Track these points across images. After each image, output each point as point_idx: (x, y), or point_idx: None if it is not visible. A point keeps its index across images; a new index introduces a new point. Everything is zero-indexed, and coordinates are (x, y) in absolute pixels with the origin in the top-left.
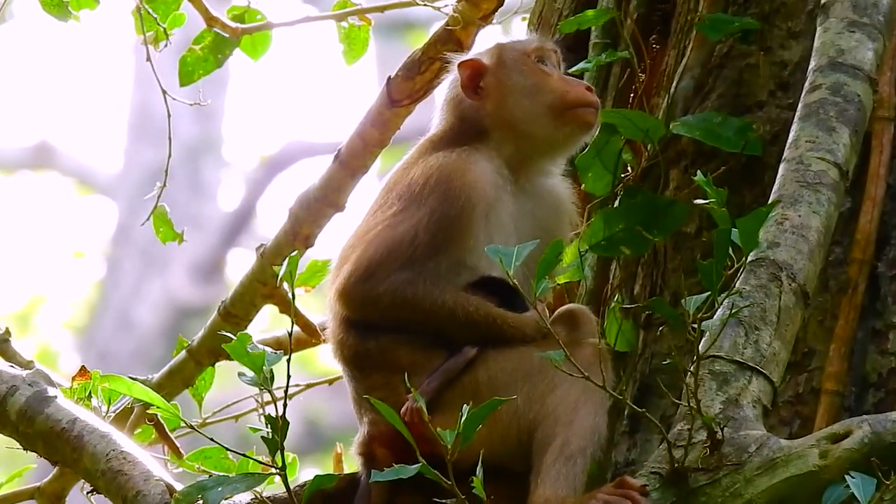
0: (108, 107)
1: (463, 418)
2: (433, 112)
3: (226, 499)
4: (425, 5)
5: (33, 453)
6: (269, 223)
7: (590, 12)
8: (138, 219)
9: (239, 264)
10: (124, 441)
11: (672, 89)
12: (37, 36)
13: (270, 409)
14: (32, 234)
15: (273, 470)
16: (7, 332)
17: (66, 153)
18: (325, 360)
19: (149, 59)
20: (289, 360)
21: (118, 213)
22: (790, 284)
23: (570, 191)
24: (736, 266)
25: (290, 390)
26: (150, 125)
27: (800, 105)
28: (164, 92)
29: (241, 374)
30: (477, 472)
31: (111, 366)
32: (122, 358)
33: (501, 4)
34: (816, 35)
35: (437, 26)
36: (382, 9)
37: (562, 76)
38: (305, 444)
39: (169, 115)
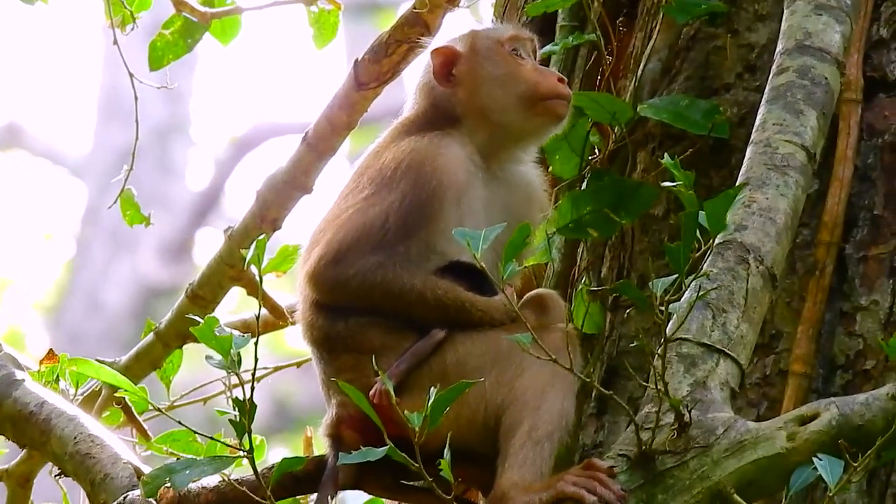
0: (78, 88)
1: (430, 401)
2: (402, 93)
3: (193, 481)
4: None
5: (1, 436)
6: (238, 203)
7: None
8: (107, 200)
9: (208, 244)
10: (92, 424)
11: (639, 72)
12: (5, 17)
13: (238, 393)
14: (1, 215)
15: (241, 453)
16: None
17: (35, 134)
18: (294, 341)
19: (116, 42)
20: (256, 343)
21: (87, 193)
22: (757, 267)
23: (541, 178)
24: (703, 248)
25: (259, 373)
26: (119, 106)
27: (767, 88)
28: (132, 75)
29: (208, 358)
30: (444, 455)
31: (80, 347)
32: (91, 339)
33: None
34: (784, 18)
35: (406, 7)
36: None
37: (535, 66)
38: (274, 424)
39: (136, 99)
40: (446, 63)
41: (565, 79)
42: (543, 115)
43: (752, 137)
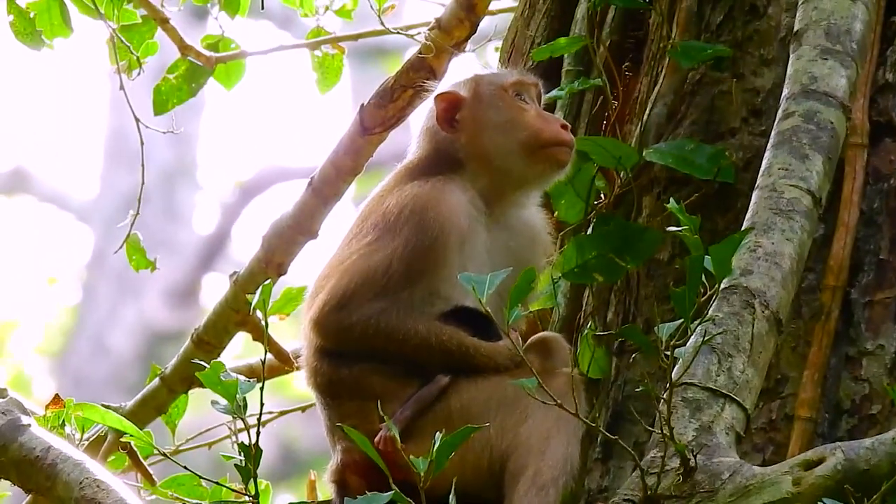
0: (84, 132)
1: (435, 446)
2: (408, 137)
3: None
4: (398, 33)
5: (7, 481)
6: (245, 248)
7: (562, 40)
8: (114, 244)
9: (214, 289)
10: (98, 469)
11: (645, 116)
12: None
13: (244, 437)
14: (7, 259)
15: (246, 498)
16: None
17: (41, 178)
18: (300, 385)
19: (122, 87)
20: (262, 389)
21: (94, 238)
22: (763, 312)
23: (544, 222)
24: (709, 293)
25: (264, 417)
26: (125, 150)
27: (773, 132)
28: (138, 120)
29: (214, 403)
30: (450, 501)
31: (86, 391)
32: (97, 383)
33: (474, 32)
34: (789, 62)
35: (411, 52)
36: (356, 37)
37: (539, 112)
38: (280, 469)
39: (142, 144)
40: (450, 108)
41: (568, 125)
42: (545, 162)
43: (757, 182)
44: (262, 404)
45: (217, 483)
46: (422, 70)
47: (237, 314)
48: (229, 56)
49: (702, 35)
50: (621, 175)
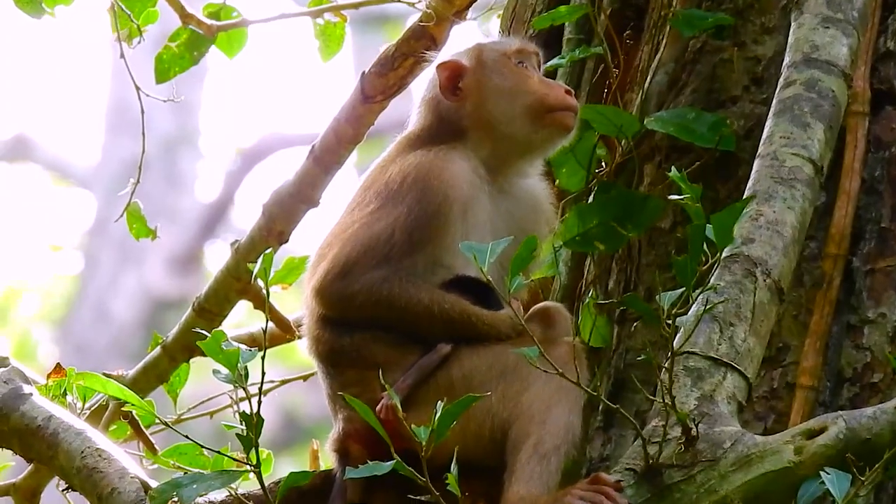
0: (86, 99)
1: (437, 415)
2: (409, 105)
3: (201, 496)
4: (400, 1)
5: (8, 451)
6: (246, 215)
7: (563, 8)
8: (115, 212)
9: (216, 256)
10: (99, 438)
11: (646, 85)
12: (13, 28)
13: (245, 406)
14: (9, 227)
15: (248, 466)
16: None
17: (43, 146)
18: (302, 353)
19: (122, 55)
20: (263, 358)
21: (96, 205)
22: (765, 280)
23: (547, 191)
24: (710, 262)
25: (266, 386)
26: (127, 118)
27: (774, 101)
28: (139, 89)
29: (216, 372)
30: (451, 469)
31: (88, 358)
32: (99, 350)
33: (475, 0)
34: (791, 31)
35: (413, 19)
36: (357, 5)
37: (541, 78)
38: (283, 437)
39: (143, 112)
40: (452, 77)
41: (572, 91)
42: (551, 127)
43: (759, 150)
44: (263, 374)
45: (219, 452)
46: (423, 38)
47: (238, 282)
48: (231, 24)
49: (703, 3)
50: (622, 143)
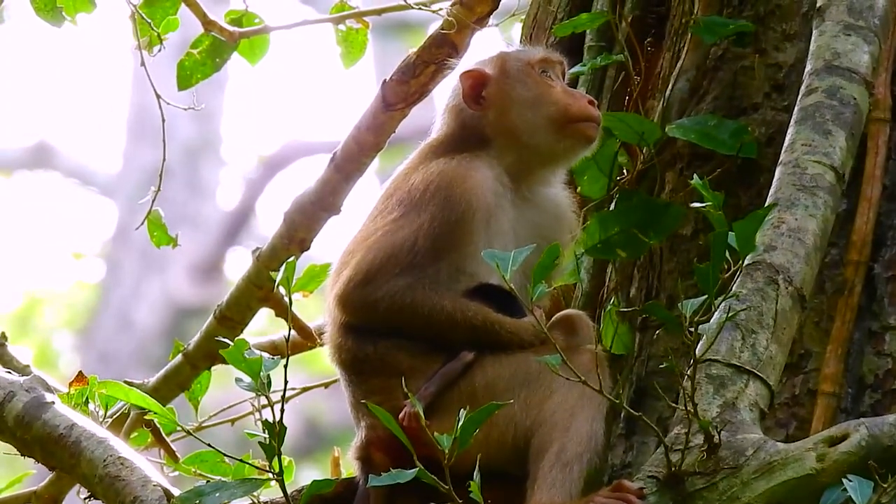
0: (108, 107)
1: (460, 423)
2: (430, 112)
3: None
4: (420, 9)
5: (30, 459)
6: (268, 222)
7: (584, 16)
8: (137, 219)
9: (238, 264)
10: (122, 447)
11: (667, 92)
12: (36, 36)
13: (267, 414)
14: (31, 235)
15: (270, 474)
16: (3, 336)
17: (65, 153)
18: (324, 360)
19: (143, 64)
20: (286, 366)
21: (117, 213)
22: (787, 288)
23: (570, 200)
24: (732, 269)
25: (287, 394)
26: (148, 125)
27: (796, 108)
28: (159, 97)
29: (238, 381)
30: (474, 477)
31: (111, 366)
32: (121, 358)
33: (496, 7)
34: (812, 38)
35: (435, 26)
36: (380, 11)
37: (565, 88)
38: (304, 444)
39: (163, 120)
40: (476, 85)
41: (595, 101)
42: (573, 138)
43: (781, 158)
44: (285, 382)
45: (240, 460)
46: (444, 46)
47: (260, 290)
48: (253, 31)
49: (724, 10)
50: (644, 151)
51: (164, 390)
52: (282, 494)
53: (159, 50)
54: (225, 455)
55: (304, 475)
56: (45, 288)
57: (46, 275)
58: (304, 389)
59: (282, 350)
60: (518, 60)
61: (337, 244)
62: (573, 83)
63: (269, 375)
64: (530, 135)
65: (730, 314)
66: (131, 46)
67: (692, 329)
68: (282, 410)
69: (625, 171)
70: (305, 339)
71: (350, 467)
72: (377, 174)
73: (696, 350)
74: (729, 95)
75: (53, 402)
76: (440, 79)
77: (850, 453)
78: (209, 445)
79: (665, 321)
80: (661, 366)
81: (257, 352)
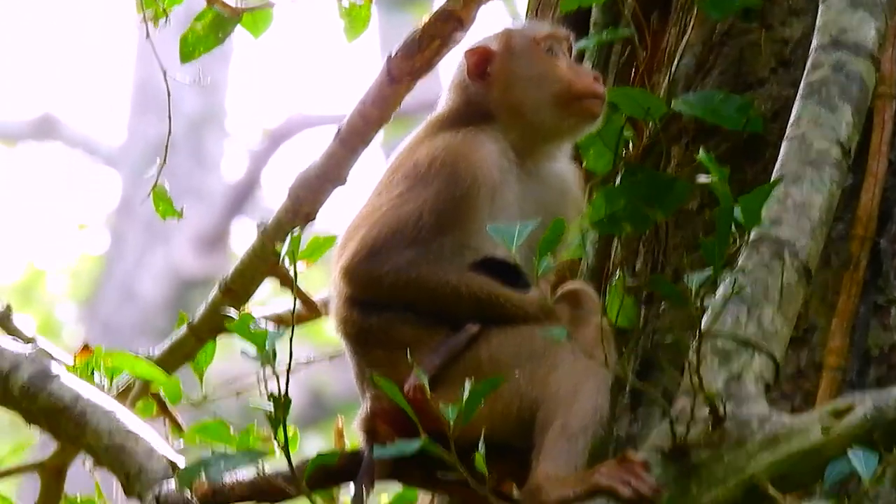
0: (112, 79)
1: (465, 395)
2: (436, 86)
3: (228, 474)
4: None
5: (36, 430)
6: (273, 194)
7: None
8: (142, 191)
9: (243, 236)
10: (127, 417)
11: (673, 67)
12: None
13: (272, 385)
14: (36, 206)
15: (275, 445)
16: (8, 308)
17: (69, 125)
18: (328, 331)
19: (148, 36)
20: (291, 338)
21: (122, 184)
22: (792, 262)
23: (576, 175)
24: (738, 243)
25: (293, 366)
26: (153, 97)
27: (802, 83)
28: (164, 71)
29: (244, 353)
30: (479, 449)
31: (115, 337)
32: (125, 329)
33: None
34: (819, 13)
35: (440, 1)
36: None
37: (571, 65)
38: (308, 415)
39: (169, 94)
40: (480, 62)
41: (601, 77)
42: (577, 115)
43: (786, 133)
44: (291, 355)
45: (245, 431)
46: (450, 20)
47: (265, 264)
48: (256, 5)
49: None
50: (650, 125)
51: (170, 361)
52: (287, 465)
53: (165, 23)
54: (230, 426)
55: (309, 446)
56: (48, 259)
57: (50, 246)
58: (310, 362)
59: (286, 321)
60: (523, 37)
61: (342, 215)
62: (579, 58)
63: (274, 347)
64: (534, 111)
65: (735, 288)
66: (136, 19)
67: (698, 303)
68: (287, 382)
69: (630, 145)
70: (310, 311)
71: (355, 439)
72: (382, 148)
73: (702, 324)
74: (735, 70)
75: (59, 374)
76: (445, 53)
77: (856, 426)
78: (214, 415)
79: (670, 295)
80: (667, 339)
81: (263, 325)
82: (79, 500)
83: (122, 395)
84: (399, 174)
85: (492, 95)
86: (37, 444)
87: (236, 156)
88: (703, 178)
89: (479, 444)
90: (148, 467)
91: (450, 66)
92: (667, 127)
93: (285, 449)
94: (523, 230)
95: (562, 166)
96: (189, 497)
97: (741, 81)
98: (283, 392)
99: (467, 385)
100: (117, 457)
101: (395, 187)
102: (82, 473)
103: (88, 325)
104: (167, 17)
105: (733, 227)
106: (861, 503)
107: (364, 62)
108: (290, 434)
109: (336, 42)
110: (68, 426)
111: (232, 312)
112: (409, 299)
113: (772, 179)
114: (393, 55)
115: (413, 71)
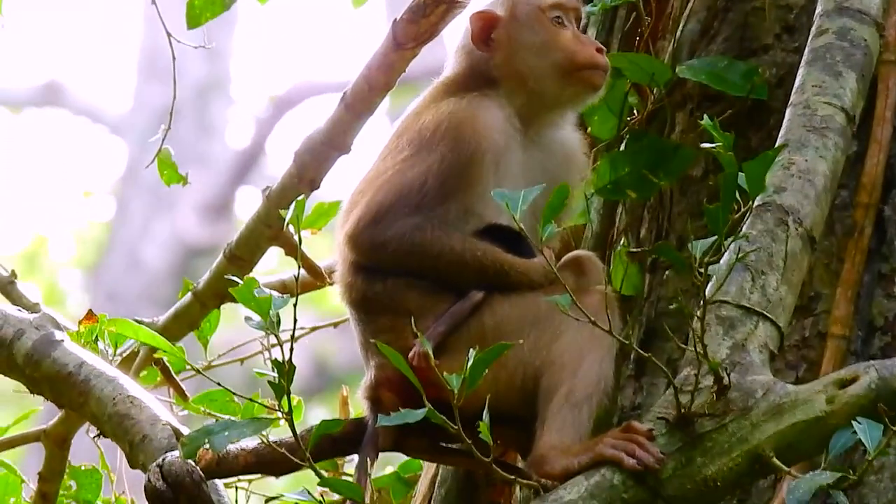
0: (118, 45)
1: (469, 363)
2: (441, 52)
3: (232, 442)
4: None
5: (39, 396)
6: (278, 162)
7: None
8: (147, 158)
9: (248, 203)
10: (131, 385)
11: (678, 33)
12: None
13: (276, 353)
14: (41, 173)
15: (279, 414)
16: (13, 274)
17: (75, 92)
18: (333, 299)
19: (154, 2)
20: (295, 305)
21: (127, 152)
22: (797, 229)
23: (580, 141)
24: (742, 210)
25: (297, 333)
26: (159, 64)
27: (806, 50)
28: (170, 36)
29: (248, 319)
30: (483, 417)
31: (119, 305)
32: (130, 297)
33: None
34: None
35: None
36: None
37: (575, 34)
38: (313, 384)
39: (174, 59)
40: (485, 27)
41: (604, 48)
42: (578, 85)
43: (791, 99)
44: (295, 321)
45: (249, 399)
46: None
47: (269, 230)
48: None
49: None
50: (654, 91)
51: (174, 329)
52: (291, 434)
53: None
54: (234, 394)
55: (313, 414)
56: (53, 226)
57: (55, 213)
58: (314, 329)
59: (291, 289)
60: (529, 4)
61: (346, 183)
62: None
63: (278, 314)
64: (536, 80)
65: (740, 255)
66: None
67: (702, 270)
68: (291, 350)
69: (635, 111)
70: (315, 278)
71: (359, 407)
72: (387, 114)
73: (706, 291)
74: (739, 36)
75: (63, 341)
76: (451, 18)
77: (860, 396)
78: (218, 384)
79: (675, 262)
80: (671, 307)
81: (267, 290)
82: (82, 468)
83: (126, 363)
84: (404, 139)
85: (495, 62)
86: (41, 413)
87: (241, 123)
88: (707, 145)
89: (484, 413)
90: (152, 435)
91: (455, 32)
92: (671, 93)
93: (289, 416)
94: (528, 195)
95: (566, 133)
96: (193, 465)
97: (746, 47)
98: (286, 359)
99: (471, 353)
100: (121, 424)
101: (400, 152)
102: (86, 443)
103: (93, 293)
104: None
105: (737, 193)
106: (866, 474)
107: (370, 28)
108: (294, 403)
109: (342, 8)
110: (72, 393)
111: (236, 279)
112: (414, 265)
113: (776, 146)
114: (398, 20)
115: (418, 36)
